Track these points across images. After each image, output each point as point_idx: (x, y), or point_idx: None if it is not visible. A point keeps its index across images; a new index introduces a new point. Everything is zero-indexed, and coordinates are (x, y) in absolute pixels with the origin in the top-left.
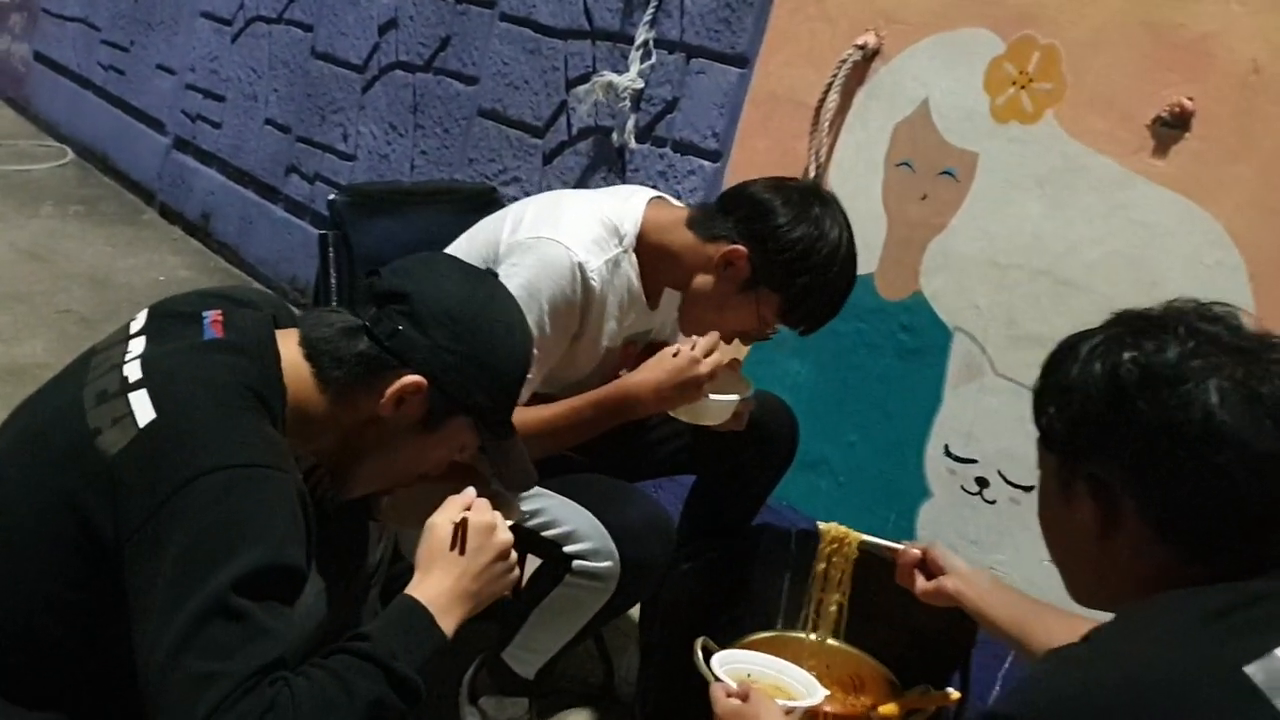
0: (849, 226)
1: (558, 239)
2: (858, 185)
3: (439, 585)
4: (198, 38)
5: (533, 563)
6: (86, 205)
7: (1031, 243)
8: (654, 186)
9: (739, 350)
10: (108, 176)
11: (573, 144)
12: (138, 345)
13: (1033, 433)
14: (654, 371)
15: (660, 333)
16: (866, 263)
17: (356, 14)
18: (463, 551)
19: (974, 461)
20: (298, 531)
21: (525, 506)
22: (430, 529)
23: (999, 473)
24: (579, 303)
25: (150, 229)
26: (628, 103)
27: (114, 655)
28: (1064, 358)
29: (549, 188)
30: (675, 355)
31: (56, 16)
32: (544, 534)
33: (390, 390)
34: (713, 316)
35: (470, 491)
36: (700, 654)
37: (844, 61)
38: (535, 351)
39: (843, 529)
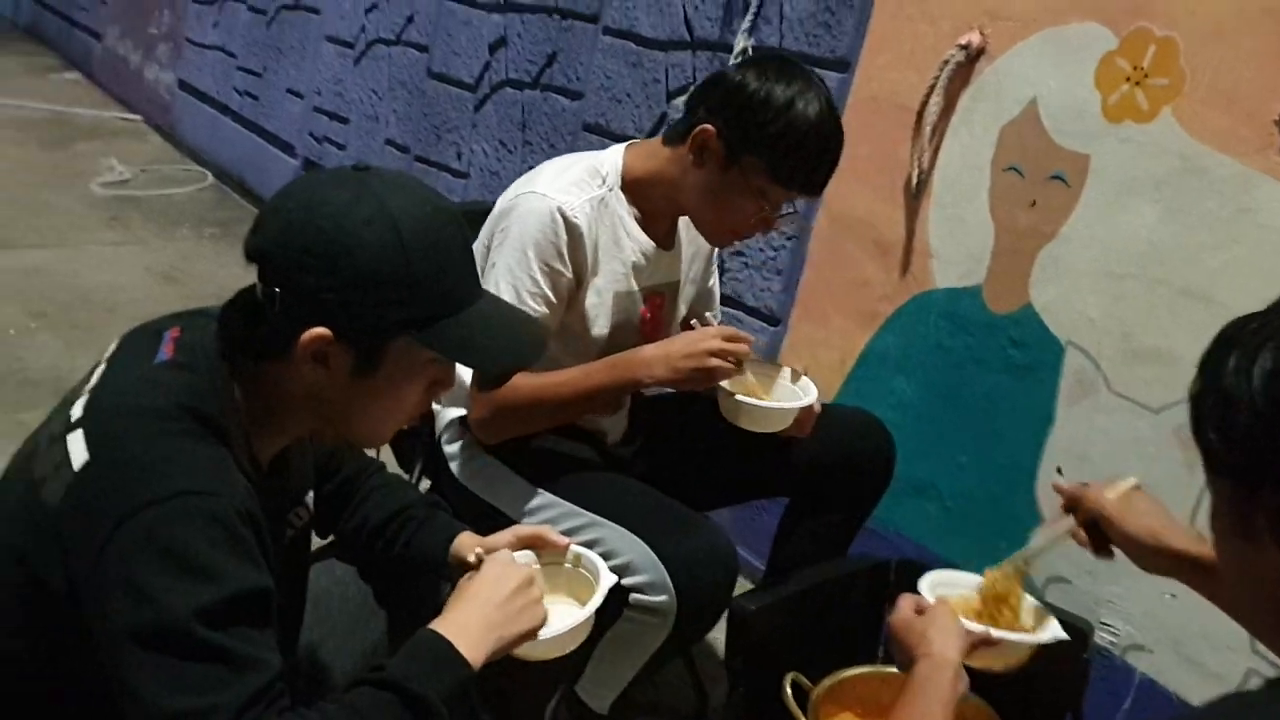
0: (822, 84)
1: (534, 190)
2: (963, 191)
3: (459, 617)
4: (323, 62)
5: None
6: (222, 227)
7: (1148, 250)
8: None
9: None
10: (243, 199)
11: None
12: (96, 375)
13: (1151, 455)
14: (669, 342)
15: (688, 286)
16: (974, 274)
17: (469, 34)
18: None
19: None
20: (242, 551)
21: (584, 537)
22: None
23: None
24: (566, 243)
25: None
26: None
27: (84, 705)
28: (1223, 355)
29: None
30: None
31: (198, 45)
32: None
33: (300, 356)
34: (715, 213)
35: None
36: (789, 690)
37: (946, 62)
38: (532, 294)
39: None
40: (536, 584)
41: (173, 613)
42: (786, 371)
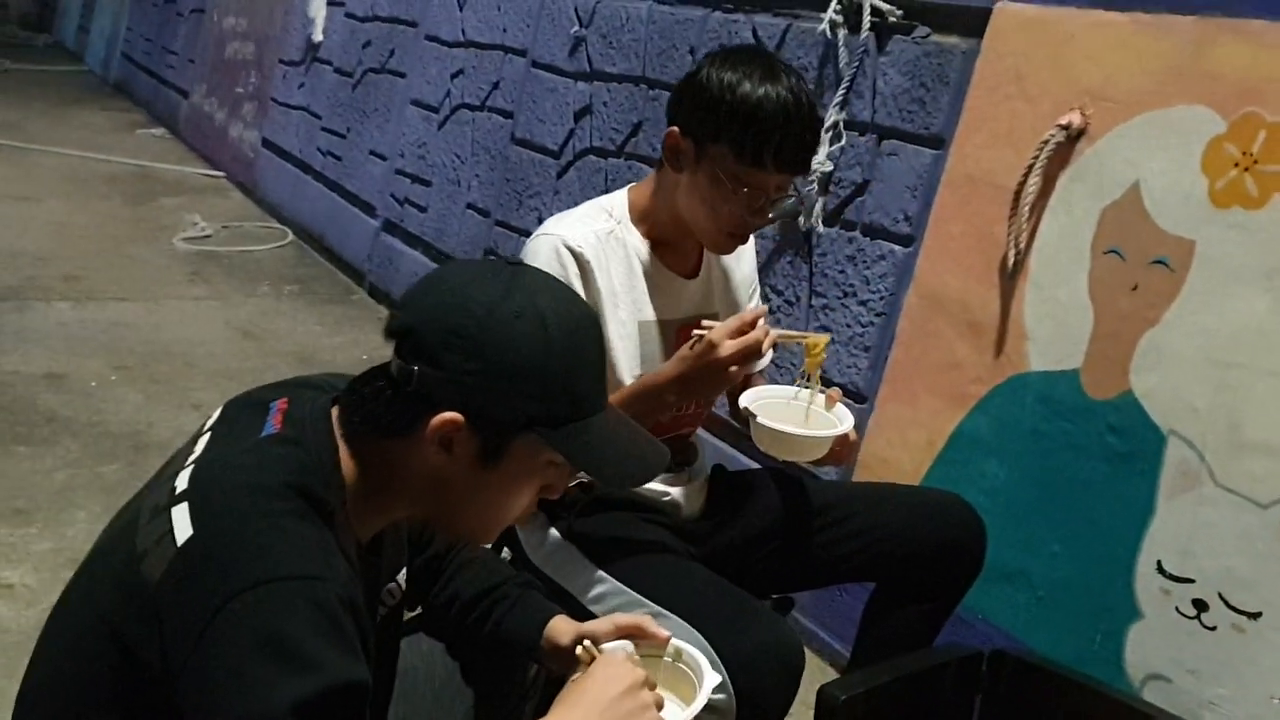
0: (788, 69)
1: (539, 232)
2: (1061, 273)
3: (568, 716)
4: (407, 125)
5: None
6: (301, 284)
7: (1258, 340)
8: (841, 272)
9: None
10: (323, 257)
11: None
12: (200, 447)
13: (1259, 552)
14: (676, 360)
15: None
16: (1071, 358)
17: (554, 101)
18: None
19: (1191, 581)
20: (344, 640)
21: None
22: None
23: (1220, 595)
24: (576, 274)
25: (359, 308)
26: (816, 185)
27: None
28: None
29: None
30: (698, 340)
31: (283, 105)
32: None
33: (428, 437)
34: (704, 214)
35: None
36: None
37: (1046, 142)
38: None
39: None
40: (650, 688)
41: (271, 703)
42: (820, 399)
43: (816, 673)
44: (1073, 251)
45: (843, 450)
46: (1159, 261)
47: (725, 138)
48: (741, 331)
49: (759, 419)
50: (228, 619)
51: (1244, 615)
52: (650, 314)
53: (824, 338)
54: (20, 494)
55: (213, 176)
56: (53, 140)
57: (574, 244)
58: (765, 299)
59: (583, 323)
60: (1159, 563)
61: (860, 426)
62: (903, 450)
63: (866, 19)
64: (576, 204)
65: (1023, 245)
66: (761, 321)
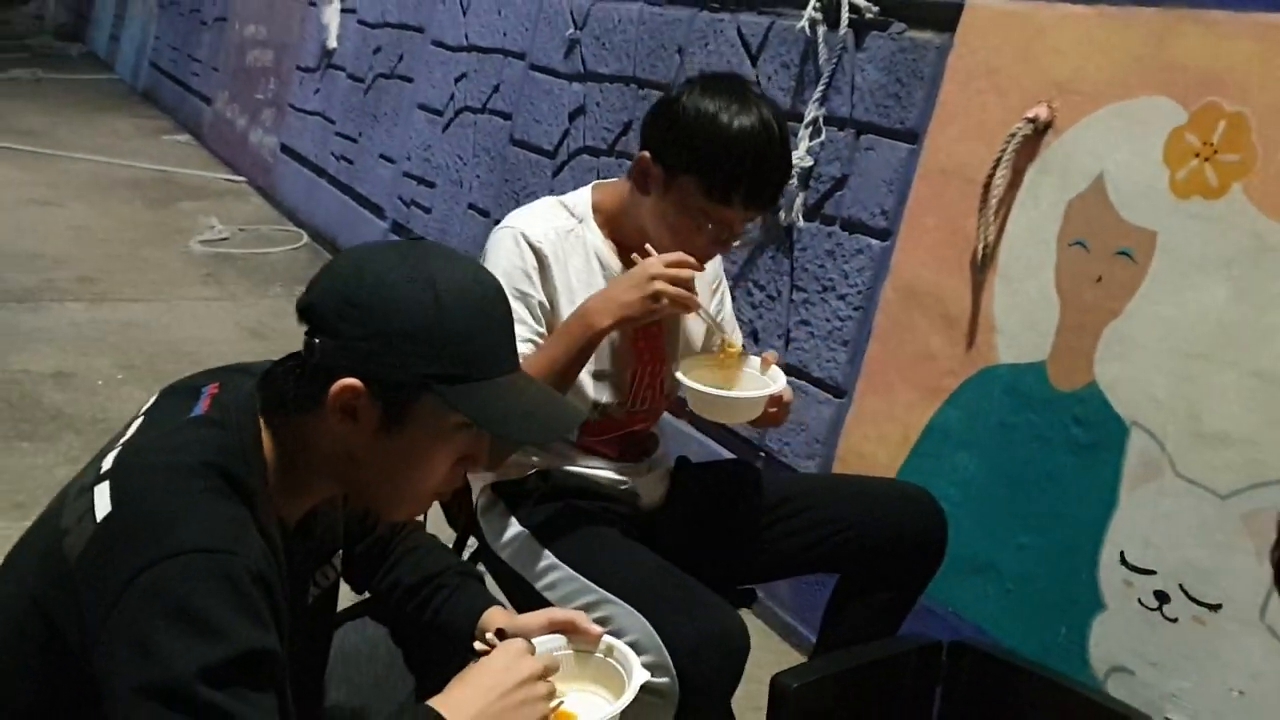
0: (763, 100)
1: (503, 225)
2: (1029, 266)
3: (459, 697)
4: (414, 128)
5: None
6: None
7: (1217, 330)
8: (820, 266)
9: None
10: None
11: None
12: (132, 430)
13: (1218, 542)
14: (613, 283)
15: (689, 319)
16: (1038, 349)
17: (550, 102)
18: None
19: (1153, 573)
20: (251, 611)
21: (595, 614)
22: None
23: (1181, 587)
24: (535, 266)
25: None
26: (796, 181)
27: None
28: None
29: None
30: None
31: (300, 111)
32: None
33: (330, 405)
34: (666, 235)
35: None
36: None
37: (1014, 135)
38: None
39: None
40: (545, 677)
41: (176, 671)
42: (755, 361)
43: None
44: (1040, 244)
45: (779, 412)
46: (1122, 253)
47: (695, 171)
48: (677, 265)
49: (687, 382)
50: (137, 591)
51: (1204, 607)
52: None
53: (736, 349)
54: (21, 489)
55: (233, 181)
56: (79, 146)
57: (534, 238)
58: (748, 294)
59: (478, 286)
60: (1122, 554)
61: (839, 421)
62: (879, 445)
63: (845, 15)
64: None
65: (992, 238)
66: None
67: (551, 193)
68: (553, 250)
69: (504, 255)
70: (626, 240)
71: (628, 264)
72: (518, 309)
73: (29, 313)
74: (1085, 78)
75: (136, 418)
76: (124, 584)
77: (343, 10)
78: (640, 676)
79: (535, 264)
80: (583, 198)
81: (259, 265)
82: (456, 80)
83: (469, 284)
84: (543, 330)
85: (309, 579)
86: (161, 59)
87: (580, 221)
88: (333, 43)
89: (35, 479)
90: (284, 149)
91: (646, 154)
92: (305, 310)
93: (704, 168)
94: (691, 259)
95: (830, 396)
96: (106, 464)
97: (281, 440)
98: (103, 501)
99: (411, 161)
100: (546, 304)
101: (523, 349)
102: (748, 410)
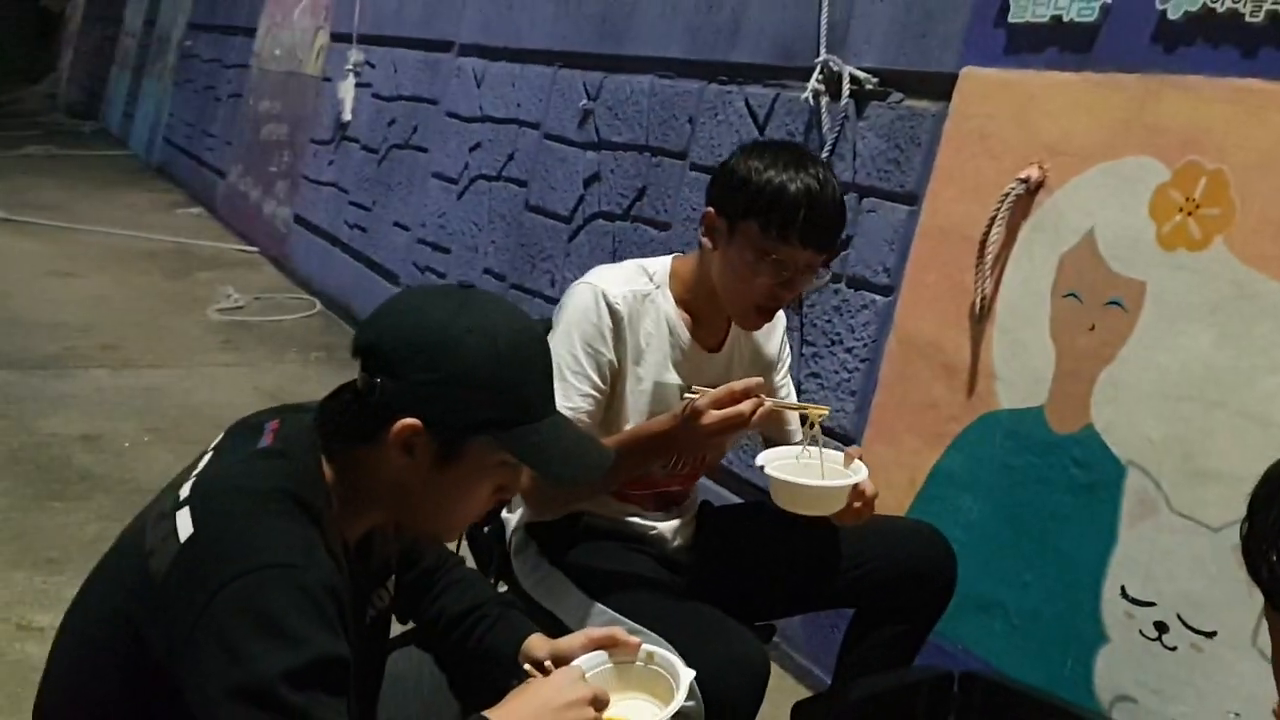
0: (817, 161)
1: (582, 281)
2: (1025, 317)
3: (512, 709)
4: (429, 196)
5: None
6: (328, 351)
7: (1204, 374)
8: (828, 321)
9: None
10: (349, 325)
11: None
12: (202, 463)
13: (1212, 574)
14: (668, 418)
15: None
16: (1036, 395)
17: (564, 170)
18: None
19: (1152, 604)
20: (326, 621)
21: None
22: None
23: (1178, 617)
24: (609, 327)
25: None
26: None
27: None
28: (1273, 492)
29: None
30: (687, 405)
31: (314, 182)
32: None
33: (391, 442)
34: (734, 287)
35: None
36: None
37: (1007, 195)
38: (575, 372)
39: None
40: (595, 705)
41: (261, 672)
42: (839, 456)
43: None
44: (1035, 296)
45: (863, 506)
46: (1114, 303)
47: (754, 215)
48: (731, 401)
49: (771, 472)
50: (222, 602)
51: (1201, 635)
52: (670, 377)
53: (823, 410)
54: (54, 545)
55: (246, 252)
56: (96, 220)
57: (613, 299)
58: None
59: (529, 336)
60: (1123, 588)
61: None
62: (887, 490)
63: (846, 87)
64: (587, 265)
65: (989, 292)
66: (764, 396)
67: (568, 257)
68: (628, 312)
69: (582, 311)
70: (696, 307)
71: (692, 333)
72: (587, 364)
73: (55, 379)
74: (1074, 140)
75: (205, 453)
76: (210, 597)
77: (357, 85)
78: (687, 675)
79: (610, 325)
80: (662, 265)
81: (274, 332)
82: (471, 149)
83: (522, 336)
84: (605, 389)
85: (367, 600)
86: (176, 134)
87: (657, 288)
88: (347, 116)
89: (68, 535)
90: (297, 219)
91: (711, 209)
92: (367, 350)
93: (761, 209)
94: (737, 389)
95: (840, 445)
96: (184, 493)
97: (340, 469)
98: (185, 525)
99: (426, 228)
100: (616, 364)
101: (584, 404)
102: (832, 501)
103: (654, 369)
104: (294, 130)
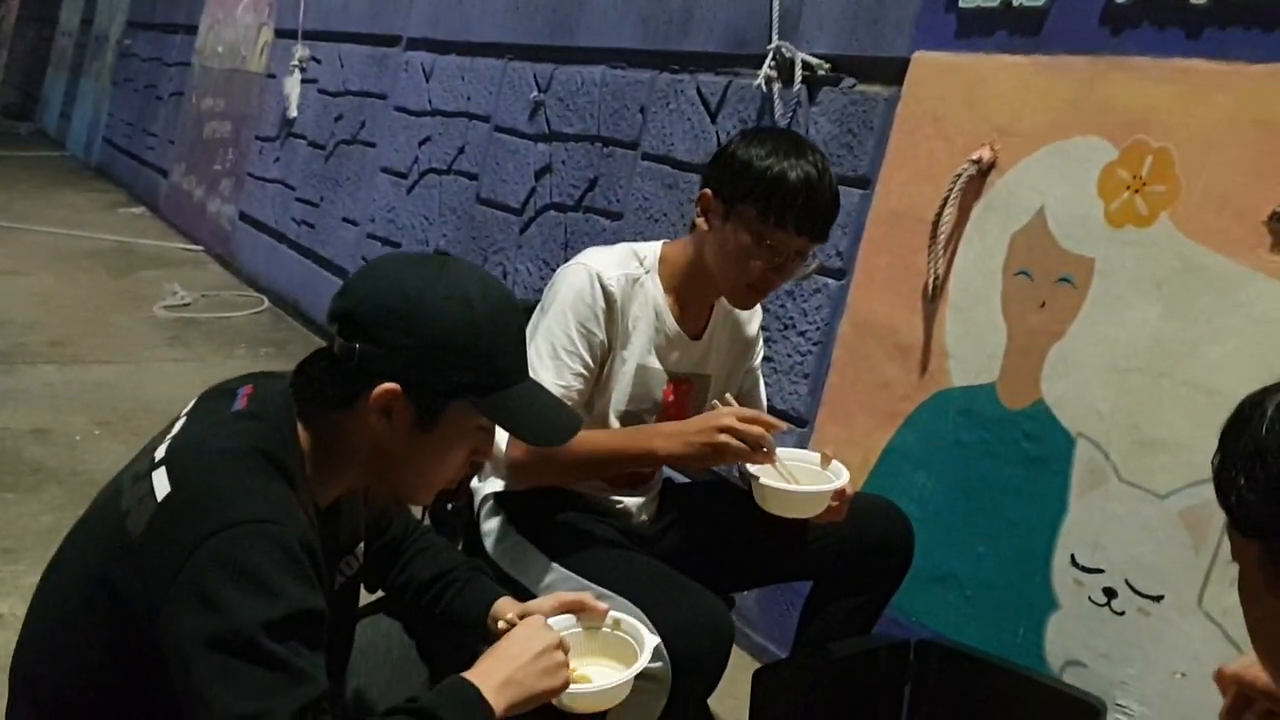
0: (811, 147)
1: (576, 262)
2: (977, 295)
3: (487, 669)
4: (378, 191)
5: None
6: (276, 347)
7: (1151, 345)
8: (781, 306)
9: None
10: (297, 322)
11: None
12: (177, 427)
13: (1160, 539)
14: (689, 420)
15: (720, 384)
16: (988, 372)
17: (515, 162)
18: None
19: (1101, 571)
20: (303, 575)
21: None
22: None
23: (1126, 582)
24: (603, 310)
25: None
26: None
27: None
28: (1248, 418)
29: None
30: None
31: (259, 179)
32: None
33: (369, 407)
34: (727, 267)
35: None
36: None
37: (959, 176)
38: (568, 352)
39: None
40: (562, 649)
41: (241, 622)
42: (815, 457)
43: None
44: (986, 275)
45: (840, 505)
46: (1064, 279)
47: (753, 200)
48: (748, 420)
49: (760, 479)
50: (201, 557)
51: (1148, 599)
52: (652, 361)
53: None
54: (9, 535)
55: (191, 250)
56: (36, 219)
57: (608, 281)
58: None
59: (505, 303)
60: (1072, 556)
61: (802, 448)
62: None
63: (798, 73)
64: (539, 257)
65: (941, 272)
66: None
67: (519, 249)
68: (620, 294)
69: (576, 290)
70: (686, 297)
71: (676, 319)
72: (580, 344)
73: (3, 375)
74: (1024, 121)
75: (179, 418)
76: (188, 553)
77: (303, 81)
78: (651, 641)
79: (604, 306)
80: (652, 250)
81: (222, 329)
82: (420, 143)
83: (498, 302)
84: (595, 369)
85: (336, 566)
86: (115, 134)
87: (646, 273)
88: (293, 112)
89: (22, 526)
90: (243, 217)
91: (708, 190)
92: (344, 316)
93: (760, 194)
94: (767, 417)
95: (793, 427)
96: (160, 454)
97: (315, 433)
98: (161, 484)
99: (375, 223)
100: (607, 345)
101: (575, 383)
102: (815, 505)
103: (638, 352)
104: (238, 127)
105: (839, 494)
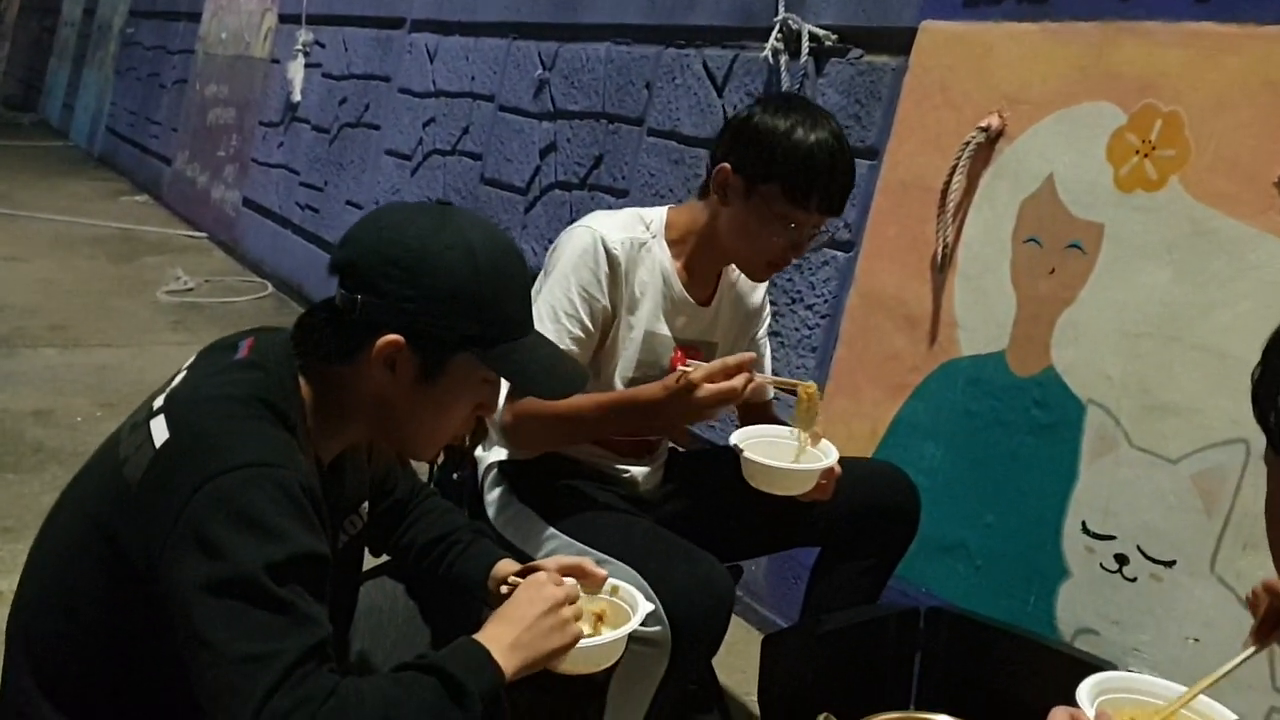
0: (826, 114)
1: (584, 224)
2: (986, 264)
3: (493, 632)
4: (382, 174)
5: None
6: None
7: (1162, 310)
8: (789, 280)
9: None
10: (301, 306)
11: None
12: (177, 379)
13: (1171, 504)
14: (659, 387)
15: (726, 352)
16: (997, 340)
17: (520, 141)
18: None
19: (1112, 538)
20: (305, 519)
21: None
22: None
23: (1138, 548)
24: (606, 274)
25: None
26: None
27: (152, 672)
28: None
29: None
30: (681, 376)
31: (263, 165)
32: None
33: (373, 359)
34: (747, 245)
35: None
36: None
37: (968, 144)
38: (569, 315)
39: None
40: (570, 601)
41: (243, 565)
42: (805, 436)
43: None
44: (996, 243)
45: (828, 484)
46: (1073, 245)
47: (778, 180)
48: (724, 376)
49: (746, 454)
50: (200, 501)
51: (1160, 564)
52: (660, 328)
53: (810, 385)
54: (9, 515)
55: (194, 237)
56: (39, 207)
57: (612, 245)
58: None
59: (508, 253)
60: (1084, 523)
61: None
62: (848, 441)
63: (805, 45)
64: (544, 236)
65: (950, 241)
66: (747, 373)
67: (524, 229)
68: (625, 259)
69: (579, 253)
70: (693, 263)
71: (689, 287)
72: (580, 308)
73: (4, 358)
74: (1033, 88)
75: (179, 372)
76: (187, 497)
77: (307, 65)
78: (646, 607)
79: (608, 270)
80: (658, 215)
81: (226, 314)
82: (425, 125)
83: (501, 252)
84: (595, 333)
85: (339, 524)
86: (118, 124)
87: (654, 237)
88: (297, 96)
89: (23, 504)
90: (247, 203)
91: (727, 165)
92: (346, 267)
93: (785, 174)
94: (731, 364)
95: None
96: (158, 403)
97: (317, 386)
98: (160, 431)
99: (380, 205)
100: (610, 310)
101: (574, 348)
102: (802, 482)
103: (646, 318)
104: (242, 114)
105: (827, 473)
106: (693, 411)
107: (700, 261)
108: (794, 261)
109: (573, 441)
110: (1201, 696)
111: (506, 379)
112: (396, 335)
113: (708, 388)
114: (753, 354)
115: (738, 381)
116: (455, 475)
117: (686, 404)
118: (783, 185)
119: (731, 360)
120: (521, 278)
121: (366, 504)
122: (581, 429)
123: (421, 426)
